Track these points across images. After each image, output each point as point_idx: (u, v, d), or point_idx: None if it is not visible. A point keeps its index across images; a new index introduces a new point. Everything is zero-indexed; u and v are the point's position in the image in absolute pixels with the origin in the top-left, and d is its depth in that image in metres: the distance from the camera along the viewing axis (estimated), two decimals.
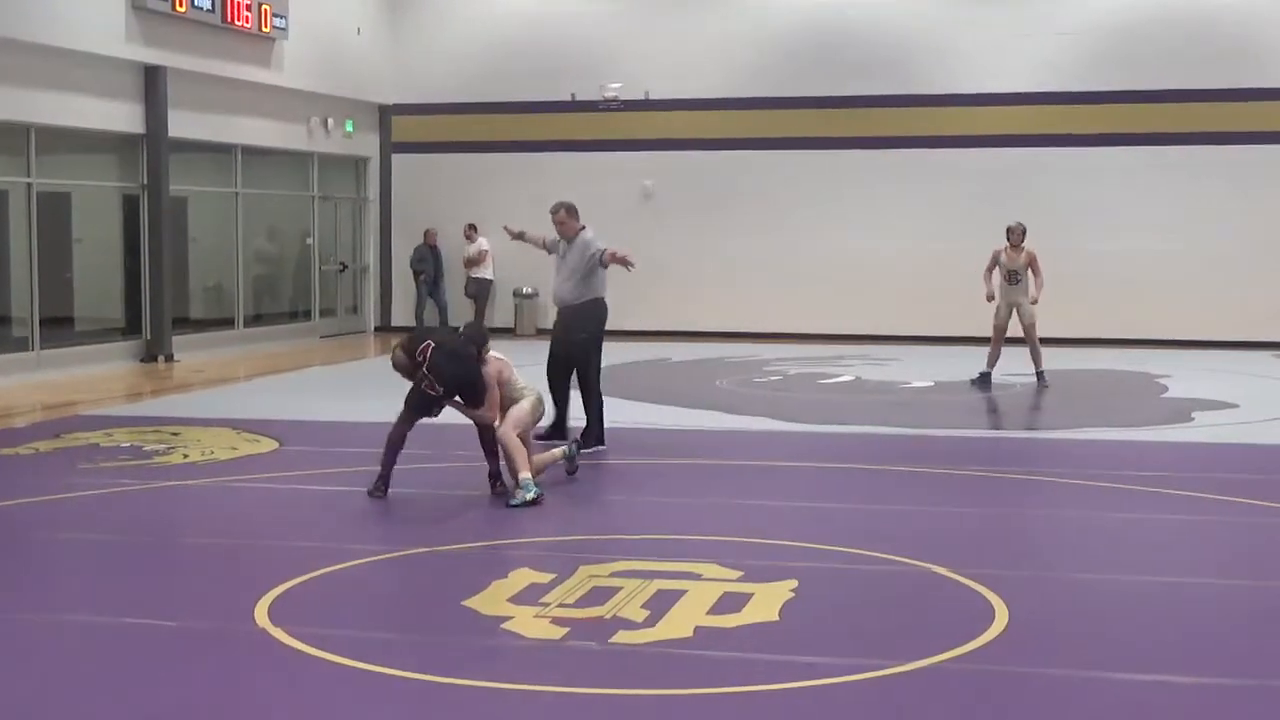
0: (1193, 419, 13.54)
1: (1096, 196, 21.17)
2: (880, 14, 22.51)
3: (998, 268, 15.98)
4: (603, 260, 11.15)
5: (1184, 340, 20.98)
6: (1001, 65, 22.05)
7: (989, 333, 15.71)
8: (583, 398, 11.26)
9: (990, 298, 16.08)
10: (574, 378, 11.37)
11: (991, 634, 6.23)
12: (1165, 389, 16.06)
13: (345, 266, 24.10)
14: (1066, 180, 21.47)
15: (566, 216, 11.23)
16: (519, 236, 12.84)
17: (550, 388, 11.26)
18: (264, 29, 20.34)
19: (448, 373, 9.03)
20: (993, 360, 16.06)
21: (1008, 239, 15.98)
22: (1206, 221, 21.38)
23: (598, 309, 11.33)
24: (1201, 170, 21.42)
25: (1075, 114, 21.84)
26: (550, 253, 11.68)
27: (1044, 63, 21.94)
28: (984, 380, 16.02)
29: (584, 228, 11.35)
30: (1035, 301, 15.86)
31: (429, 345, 9.08)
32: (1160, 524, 8.81)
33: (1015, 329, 15.90)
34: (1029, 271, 15.86)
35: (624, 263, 11.17)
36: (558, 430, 11.22)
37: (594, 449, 10.94)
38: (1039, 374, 15.88)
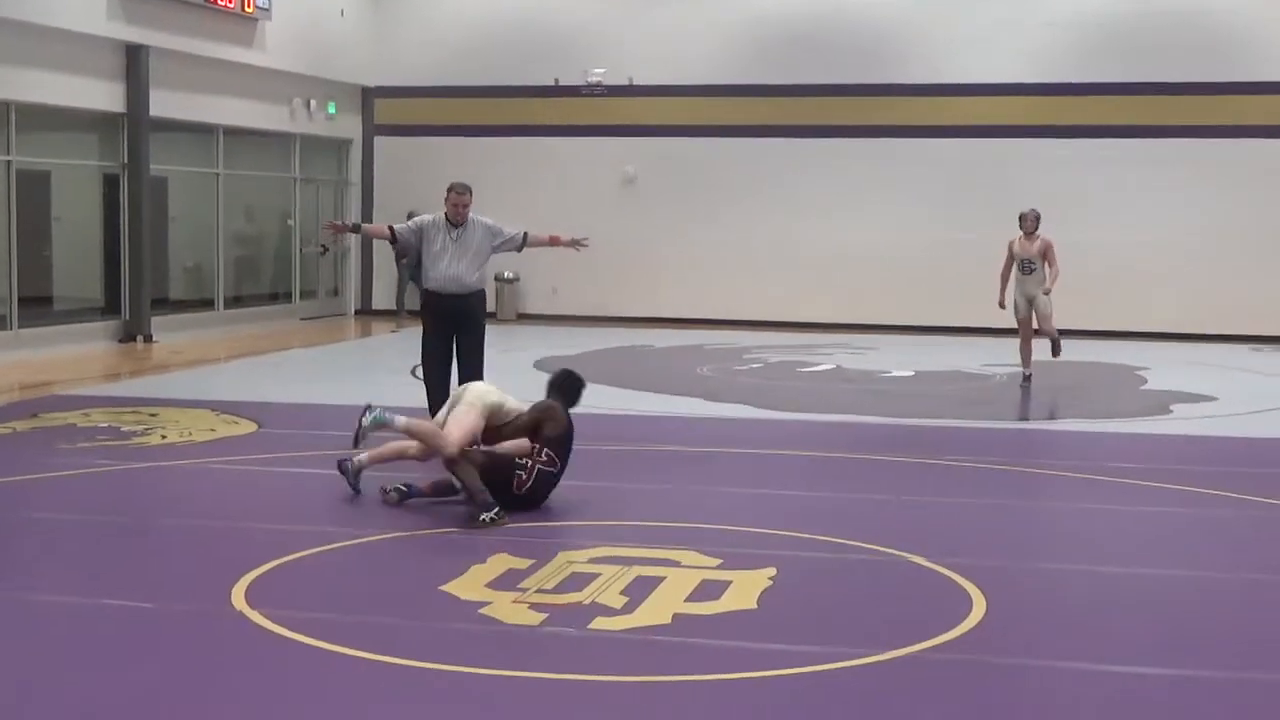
0: (1171, 411, 13.59)
1: (1078, 188, 21.21)
2: (865, 2, 22.49)
3: (1013, 260, 15.20)
4: (525, 243, 10.87)
5: (1163, 333, 21.07)
6: (986, 55, 22.07)
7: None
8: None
9: (1002, 304, 15.32)
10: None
11: (969, 624, 6.24)
12: (1144, 381, 16.11)
13: (326, 249, 24.02)
14: (1049, 171, 21.50)
15: (471, 199, 10.70)
16: (355, 230, 12.42)
17: (435, 380, 10.73)
18: (247, 9, 20.24)
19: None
20: (1026, 359, 15.29)
21: (1020, 227, 15.13)
22: (1188, 214, 21.44)
23: (484, 296, 11.08)
24: (1183, 163, 21.47)
25: (1058, 105, 21.88)
26: (400, 241, 11.07)
27: (1029, 54, 21.96)
28: (1028, 381, 15.23)
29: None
30: (1048, 292, 14.99)
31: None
32: (1138, 515, 8.83)
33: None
34: (1044, 261, 15.05)
35: (573, 244, 11.01)
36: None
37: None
38: (1055, 345, 15.21)
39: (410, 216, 13.26)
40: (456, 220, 10.67)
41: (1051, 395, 14.91)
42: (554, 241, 11.07)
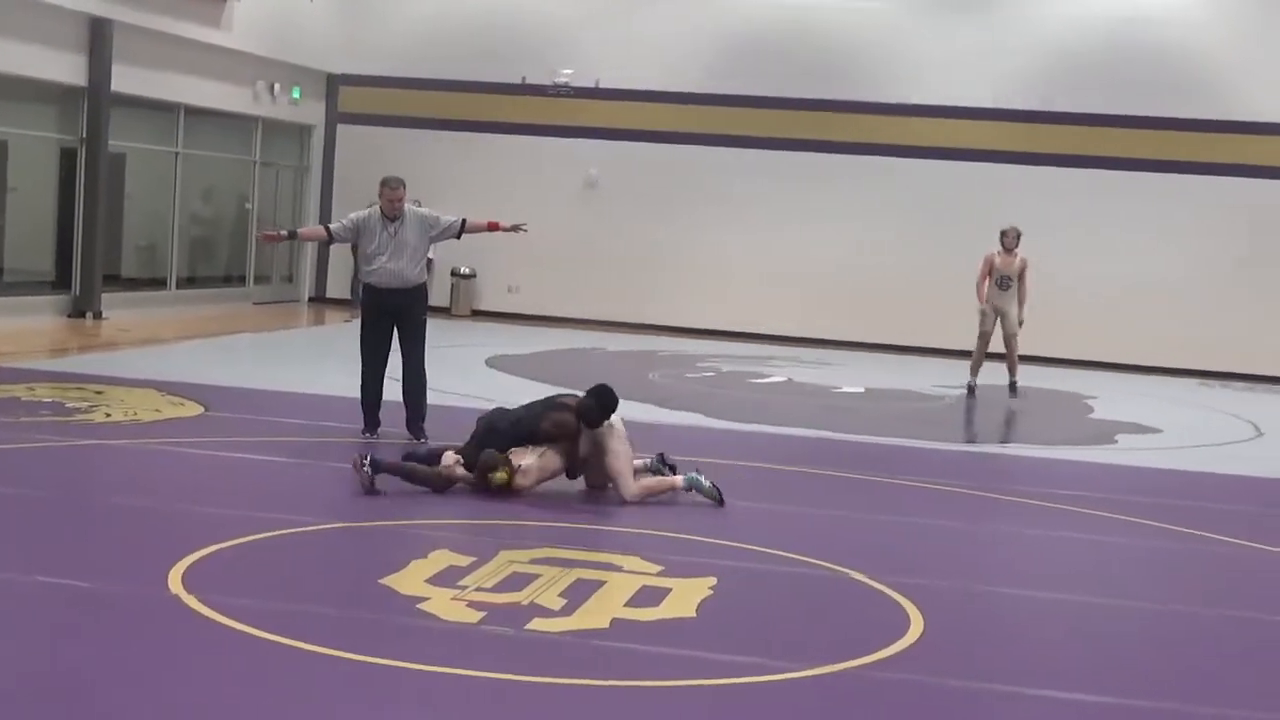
0: (1116, 441, 13.70)
1: (1039, 215, 21.22)
2: (837, 18, 22.57)
3: (990, 273, 15.80)
4: (464, 230, 10.77)
5: (1114, 363, 21.25)
6: (956, 79, 22.18)
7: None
8: (417, 386, 10.69)
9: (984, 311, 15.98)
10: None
11: (905, 642, 6.27)
12: (1091, 410, 16.24)
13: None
14: (1011, 197, 21.56)
15: (405, 192, 10.61)
16: (290, 237, 12.22)
17: (372, 372, 10.73)
18: None
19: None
20: (977, 369, 15.93)
21: (1001, 243, 15.73)
22: (1146, 247, 21.60)
23: (426, 290, 10.99)
24: (1143, 198, 21.64)
25: (1024, 132, 22.03)
26: (338, 241, 11.13)
27: (998, 80, 22.08)
28: (972, 392, 15.91)
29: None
30: (1021, 322, 15.79)
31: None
32: (1077, 542, 8.90)
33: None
34: (1019, 280, 15.73)
35: (514, 229, 10.89)
36: (376, 421, 10.78)
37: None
38: (1012, 384, 15.80)
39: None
40: (391, 214, 10.59)
41: (998, 419, 15.01)
42: (493, 227, 10.92)
